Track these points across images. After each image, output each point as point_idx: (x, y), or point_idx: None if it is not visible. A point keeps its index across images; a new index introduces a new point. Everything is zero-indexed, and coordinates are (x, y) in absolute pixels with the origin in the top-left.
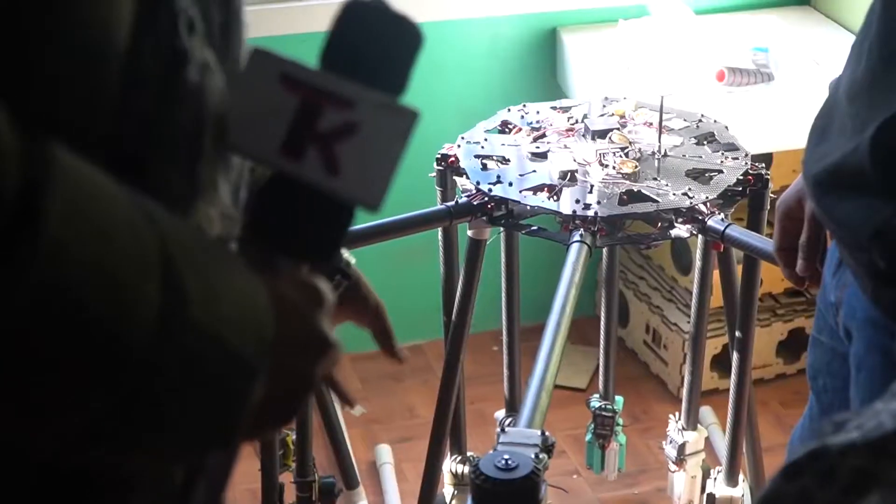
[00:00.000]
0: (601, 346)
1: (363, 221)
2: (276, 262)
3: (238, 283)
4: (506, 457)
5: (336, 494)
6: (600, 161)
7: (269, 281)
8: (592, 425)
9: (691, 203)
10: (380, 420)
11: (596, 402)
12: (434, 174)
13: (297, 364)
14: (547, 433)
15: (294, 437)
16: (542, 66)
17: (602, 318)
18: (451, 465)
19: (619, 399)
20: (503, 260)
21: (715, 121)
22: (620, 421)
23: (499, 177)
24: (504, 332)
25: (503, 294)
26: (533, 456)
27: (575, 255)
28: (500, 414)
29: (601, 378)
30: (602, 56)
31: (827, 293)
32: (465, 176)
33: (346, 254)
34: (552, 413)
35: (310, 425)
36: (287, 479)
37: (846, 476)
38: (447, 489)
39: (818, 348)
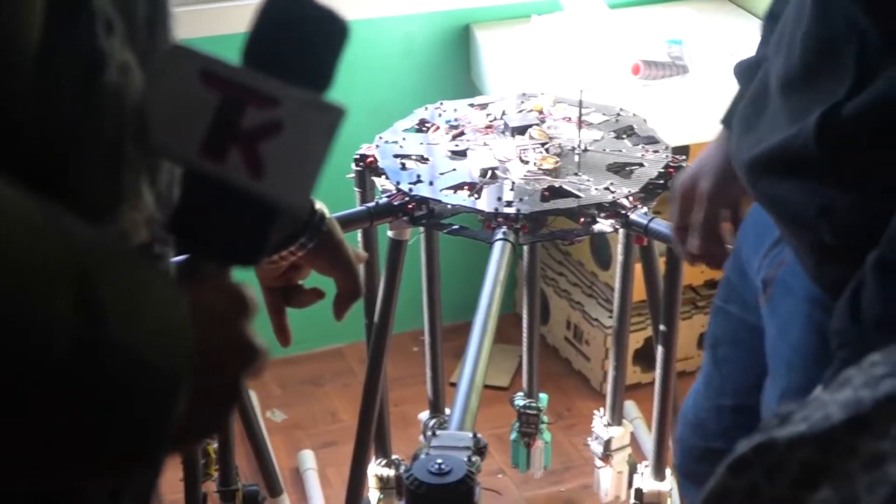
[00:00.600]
0: (524, 344)
1: None
2: (200, 266)
3: (159, 296)
4: (439, 461)
5: (260, 502)
6: (520, 157)
7: (193, 288)
8: (517, 423)
9: (613, 197)
10: (302, 426)
11: (520, 400)
12: (352, 175)
13: (223, 373)
14: (479, 435)
15: (216, 445)
16: (456, 63)
17: (525, 316)
18: (376, 469)
19: (543, 396)
20: (424, 260)
21: (634, 114)
22: (545, 418)
23: (419, 176)
24: (426, 333)
25: (424, 294)
26: (466, 459)
27: (499, 254)
28: (425, 415)
29: (525, 376)
30: (516, 52)
31: (751, 269)
32: (384, 176)
33: (319, 206)
34: None
35: (231, 433)
36: (210, 488)
37: (795, 469)
38: (372, 493)
39: (722, 317)
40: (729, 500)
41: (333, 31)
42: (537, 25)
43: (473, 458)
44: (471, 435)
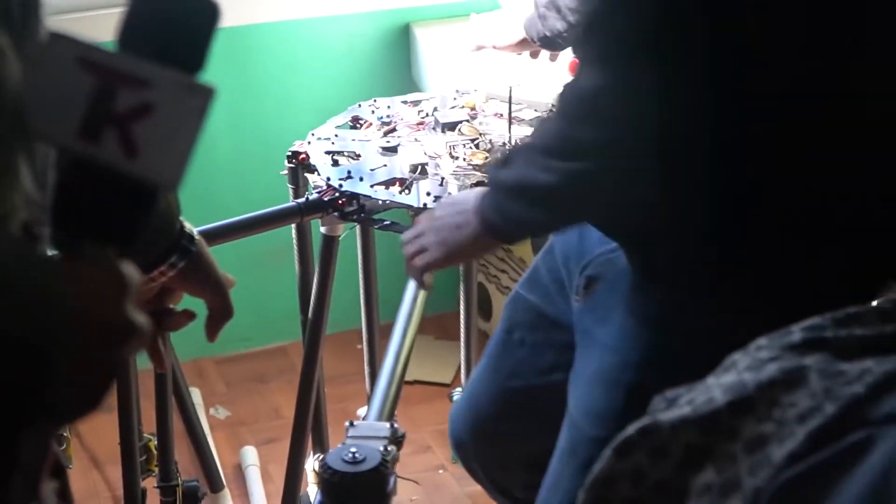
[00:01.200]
0: (462, 340)
1: (213, 220)
2: (79, 246)
3: (32, 276)
4: (353, 450)
5: (200, 498)
6: (451, 153)
7: (71, 267)
8: None
9: None
10: (245, 422)
11: (458, 395)
12: (286, 171)
13: (101, 351)
14: (396, 425)
15: (156, 441)
16: (396, 61)
17: (461, 312)
18: (314, 465)
19: None
20: (360, 256)
21: None
22: None
23: (350, 172)
24: (364, 329)
25: (361, 291)
26: (381, 448)
27: None
28: (363, 411)
29: (463, 372)
30: (455, 50)
31: (570, 268)
32: (316, 172)
33: (189, 226)
34: (418, 409)
35: (171, 429)
36: (150, 484)
37: (679, 452)
38: (311, 488)
39: (521, 304)
40: (615, 483)
41: (202, 13)
42: (475, 23)
43: (389, 448)
44: (388, 425)
